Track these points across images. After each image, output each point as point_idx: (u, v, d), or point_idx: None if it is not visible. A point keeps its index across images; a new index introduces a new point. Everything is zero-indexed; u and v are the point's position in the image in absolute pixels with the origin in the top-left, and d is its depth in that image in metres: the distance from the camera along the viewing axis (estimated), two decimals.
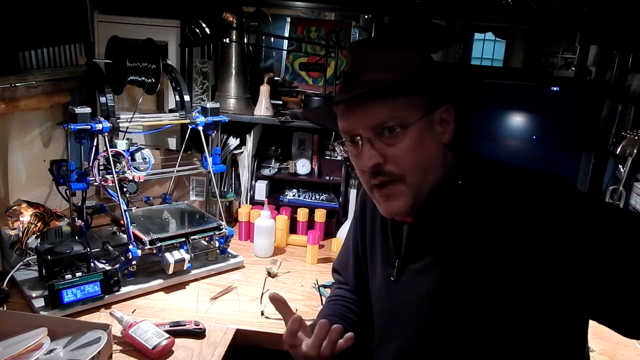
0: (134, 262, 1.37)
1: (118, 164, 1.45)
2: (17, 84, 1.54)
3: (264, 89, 1.86)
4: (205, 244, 1.56)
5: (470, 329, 0.80)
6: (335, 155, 1.92)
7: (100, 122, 1.39)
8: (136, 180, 1.48)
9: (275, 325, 1.26)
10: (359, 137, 0.82)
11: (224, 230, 1.54)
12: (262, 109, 1.86)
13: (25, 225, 1.40)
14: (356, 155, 0.84)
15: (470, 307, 0.79)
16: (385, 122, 0.79)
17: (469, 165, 0.85)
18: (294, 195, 1.92)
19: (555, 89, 1.74)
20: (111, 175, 1.41)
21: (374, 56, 0.81)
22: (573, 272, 0.71)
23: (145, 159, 1.51)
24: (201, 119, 1.59)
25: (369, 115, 0.80)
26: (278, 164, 1.90)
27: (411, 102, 0.80)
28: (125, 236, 1.45)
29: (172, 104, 1.83)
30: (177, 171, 1.65)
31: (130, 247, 1.36)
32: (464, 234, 0.79)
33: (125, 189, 1.49)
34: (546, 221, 0.72)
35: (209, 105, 1.63)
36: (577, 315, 0.80)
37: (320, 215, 1.78)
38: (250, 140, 1.82)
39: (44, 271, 1.31)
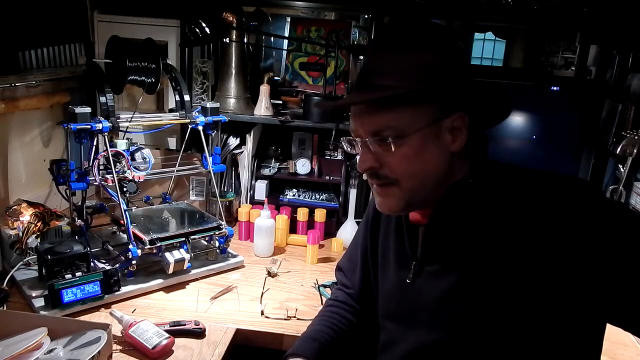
0: (134, 262, 1.37)
1: (118, 163, 1.45)
2: (17, 84, 1.54)
3: (264, 89, 1.86)
4: (205, 243, 1.56)
5: (486, 330, 0.80)
6: (335, 155, 1.93)
7: (100, 122, 1.39)
8: (136, 180, 1.48)
9: (275, 325, 1.26)
10: (359, 139, 0.82)
11: (224, 230, 1.54)
12: (262, 109, 1.86)
13: (25, 225, 1.40)
14: (358, 155, 0.85)
15: (487, 308, 0.79)
16: (382, 130, 0.78)
17: (486, 169, 0.84)
18: (294, 195, 1.92)
19: (555, 89, 1.74)
20: (111, 175, 1.41)
21: (389, 58, 0.79)
22: (594, 276, 0.70)
23: (145, 158, 1.51)
24: (201, 119, 1.59)
25: (372, 120, 0.79)
26: (278, 163, 1.90)
27: (417, 111, 0.78)
28: (125, 236, 1.45)
29: (172, 104, 1.83)
30: (177, 171, 1.65)
31: (130, 246, 1.36)
32: (482, 236, 0.79)
33: (125, 189, 1.49)
34: (567, 224, 0.72)
35: (209, 105, 1.63)
36: (597, 319, 0.79)
37: (320, 215, 1.78)
38: (250, 140, 1.82)
39: (44, 271, 1.31)
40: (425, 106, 0.78)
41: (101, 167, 1.43)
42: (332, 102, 1.76)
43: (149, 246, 1.38)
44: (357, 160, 0.85)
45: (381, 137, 0.79)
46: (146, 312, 1.28)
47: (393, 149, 0.78)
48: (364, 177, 0.87)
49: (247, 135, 1.83)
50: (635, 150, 1.58)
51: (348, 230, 1.77)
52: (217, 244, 1.55)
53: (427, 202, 0.84)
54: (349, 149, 0.87)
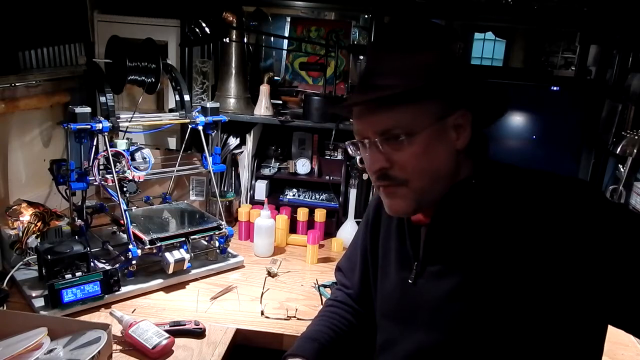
0: (133, 262, 1.37)
1: (118, 163, 1.45)
2: (17, 84, 1.54)
3: (264, 89, 1.86)
4: (205, 243, 1.56)
5: (487, 330, 0.80)
6: (335, 155, 1.92)
7: (100, 122, 1.39)
8: (136, 179, 1.48)
9: (275, 325, 1.26)
10: (367, 140, 0.82)
11: (224, 229, 1.54)
12: (262, 109, 1.86)
13: (25, 225, 1.40)
14: (365, 156, 0.84)
15: (489, 308, 0.79)
16: (391, 129, 0.79)
17: (487, 170, 0.84)
18: (294, 195, 1.92)
19: (555, 88, 1.74)
20: (111, 175, 1.41)
21: (390, 59, 0.79)
22: (594, 277, 0.70)
23: (145, 158, 1.51)
24: (201, 119, 1.59)
25: (378, 120, 0.79)
26: (278, 163, 1.90)
27: (421, 108, 0.78)
28: (125, 236, 1.45)
29: (172, 104, 1.83)
30: (177, 171, 1.65)
31: (130, 246, 1.36)
32: (484, 236, 0.79)
33: (125, 189, 1.49)
34: (568, 225, 0.72)
35: (209, 104, 1.63)
36: (598, 320, 0.79)
37: (320, 215, 1.78)
38: (250, 139, 1.82)
39: (44, 271, 1.31)
40: (427, 104, 0.79)
41: (101, 167, 1.43)
42: (339, 106, 1.76)
43: (149, 246, 1.38)
44: (365, 162, 0.84)
45: (389, 136, 0.79)
46: (146, 312, 1.28)
47: (404, 146, 0.78)
48: (365, 177, 0.87)
49: (247, 135, 1.83)
50: (635, 150, 1.58)
51: (348, 230, 1.77)
52: (217, 244, 1.55)
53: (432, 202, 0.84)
54: (353, 152, 0.87)
